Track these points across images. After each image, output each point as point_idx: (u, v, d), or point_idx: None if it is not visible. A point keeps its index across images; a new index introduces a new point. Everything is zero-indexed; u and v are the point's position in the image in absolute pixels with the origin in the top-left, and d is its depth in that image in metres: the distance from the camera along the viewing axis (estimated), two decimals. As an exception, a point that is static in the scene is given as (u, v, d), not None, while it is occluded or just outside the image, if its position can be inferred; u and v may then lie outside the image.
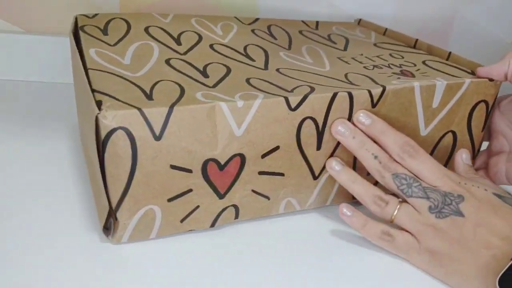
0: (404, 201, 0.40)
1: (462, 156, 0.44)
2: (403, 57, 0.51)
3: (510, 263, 0.33)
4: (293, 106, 0.39)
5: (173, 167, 0.37)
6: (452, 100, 0.45)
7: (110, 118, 0.34)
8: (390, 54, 0.52)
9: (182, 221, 0.40)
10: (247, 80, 0.41)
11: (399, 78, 0.45)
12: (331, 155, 0.42)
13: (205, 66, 0.43)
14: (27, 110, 0.59)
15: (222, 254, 0.39)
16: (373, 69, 0.47)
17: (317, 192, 0.44)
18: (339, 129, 0.41)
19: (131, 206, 0.37)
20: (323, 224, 0.44)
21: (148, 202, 0.37)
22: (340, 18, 0.70)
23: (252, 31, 0.53)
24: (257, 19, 0.57)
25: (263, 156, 0.39)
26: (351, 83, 0.43)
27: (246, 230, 0.42)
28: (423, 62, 0.50)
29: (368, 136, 0.42)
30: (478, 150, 0.50)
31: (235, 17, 0.56)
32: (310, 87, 0.41)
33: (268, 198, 0.42)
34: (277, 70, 0.45)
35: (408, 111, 0.44)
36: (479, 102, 0.47)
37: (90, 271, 0.36)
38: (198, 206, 0.39)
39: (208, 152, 0.37)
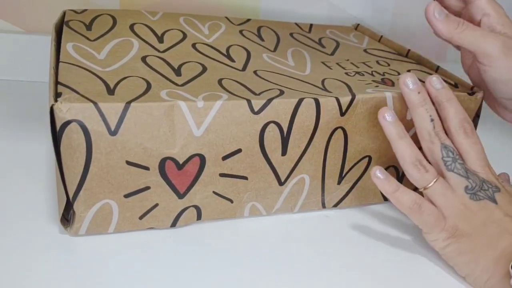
0: (442, 176, 0.40)
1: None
2: (389, 65, 0.50)
3: None
4: (256, 109, 0.38)
5: (129, 163, 0.37)
6: None
7: (64, 111, 0.34)
8: (377, 61, 0.51)
9: (141, 218, 0.39)
10: (219, 81, 0.41)
11: (377, 86, 0.44)
12: (298, 162, 0.41)
13: (181, 65, 0.43)
14: (27, 110, 0.58)
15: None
16: (354, 75, 0.46)
17: (283, 198, 0.43)
18: (407, 81, 0.41)
19: (87, 199, 0.37)
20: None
21: (104, 196, 0.37)
22: (342, 20, 0.70)
23: (240, 31, 0.53)
24: (248, 20, 0.56)
25: (224, 158, 0.39)
26: (325, 89, 0.42)
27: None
28: (408, 71, 0.47)
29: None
30: None
31: (226, 17, 0.56)
32: (280, 90, 0.40)
33: (231, 201, 0.41)
34: (255, 72, 0.44)
35: (378, 121, 0.41)
36: None
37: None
38: (157, 204, 0.39)
39: (165, 150, 0.37)
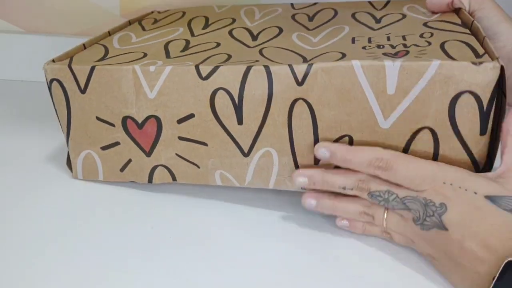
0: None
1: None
2: (432, 35, 0.42)
3: (492, 284, 0.31)
4: (203, 75, 0.40)
5: (98, 119, 0.43)
6: (416, 86, 0.37)
7: (48, 71, 0.43)
8: (421, 35, 0.43)
9: (121, 170, 0.45)
10: (210, 55, 0.43)
11: (377, 58, 0.38)
12: (258, 133, 0.41)
13: (199, 44, 0.46)
14: (27, 110, 0.58)
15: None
16: (372, 48, 0.41)
17: (252, 171, 0.42)
18: (300, 181, 0.40)
19: (74, 147, 0.45)
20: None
21: (86, 147, 0.45)
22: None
23: (293, 16, 0.53)
24: (315, 4, 0.57)
25: (179, 121, 0.42)
26: (306, 60, 0.39)
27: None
28: (442, 44, 0.40)
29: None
30: (489, 163, 0.39)
31: (291, 4, 0.57)
32: (245, 61, 0.40)
33: (197, 166, 0.43)
34: (261, 50, 0.44)
35: (352, 94, 0.38)
36: (462, 93, 0.36)
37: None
38: (130, 160, 0.44)
39: (124, 109, 0.42)
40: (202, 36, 0.49)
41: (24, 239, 0.39)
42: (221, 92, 0.40)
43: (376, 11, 0.52)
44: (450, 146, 0.38)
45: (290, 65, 0.38)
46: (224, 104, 0.40)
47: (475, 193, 0.34)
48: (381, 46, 0.41)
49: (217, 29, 0.50)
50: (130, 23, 0.55)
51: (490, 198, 0.33)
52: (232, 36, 0.48)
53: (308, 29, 0.49)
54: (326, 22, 0.51)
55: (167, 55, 0.44)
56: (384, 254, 0.39)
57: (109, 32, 0.52)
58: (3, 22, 0.66)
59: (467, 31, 0.42)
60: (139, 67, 0.41)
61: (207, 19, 0.54)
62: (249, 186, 0.43)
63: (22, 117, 0.57)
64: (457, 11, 0.47)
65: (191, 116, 0.41)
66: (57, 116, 0.45)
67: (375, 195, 0.38)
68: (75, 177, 0.46)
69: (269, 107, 0.40)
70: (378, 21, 0.49)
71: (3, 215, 0.41)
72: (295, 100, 0.39)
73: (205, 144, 0.42)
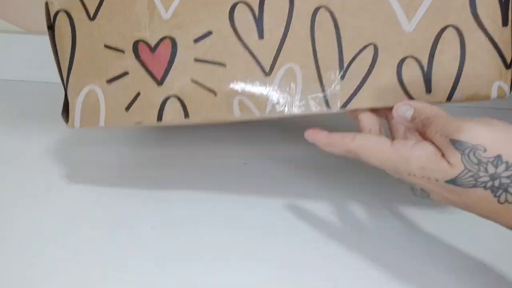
0: None
1: (398, 112, 0.37)
2: None
3: None
4: None
5: (106, 46, 0.41)
6: None
7: (55, 3, 0.42)
8: None
9: (127, 109, 0.41)
10: None
11: None
12: (280, 47, 0.39)
13: None
14: (27, 110, 0.59)
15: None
16: None
17: (274, 93, 0.39)
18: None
19: (75, 84, 0.42)
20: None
21: (89, 81, 0.42)
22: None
23: None
24: None
25: (196, 40, 0.40)
26: None
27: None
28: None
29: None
30: None
31: None
32: None
33: (214, 92, 0.40)
34: None
35: None
36: None
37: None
38: (138, 93, 0.41)
39: (136, 32, 0.40)
40: None
41: (23, 239, 0.39)
42: (240, 5, 0.39)
43: None
44: (476, 41, 0.38)
45: None
46: (244, 18, 0.39)
47: (437, 180, 0.34)
48: None
49: None
50: None
51: (450, 182, 0.33)
52: None
53: None
54: None
55: None
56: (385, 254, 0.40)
57: None
58: (3, 22, 0.66)
59: None
60: None
61: None
62: (270, 115, 0.40)
63: (22, 117, 0.57)
64: None
65: (209, 34, 0.39)
66: (57, 60, 0.43)
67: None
68: (71, 126, 0.42)
69: (291, 18, 0.39)
70: None
71: (3, 216, 0.41)
72: (317, 9, 0.39)
73: (223, 65, 0.39)
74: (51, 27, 0.43)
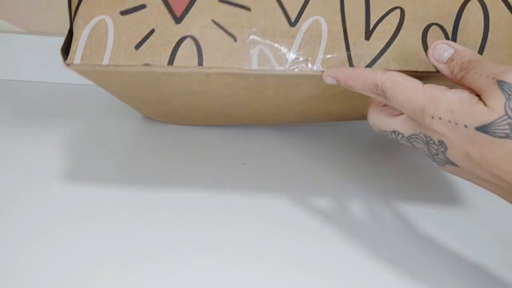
0: None
1: (435, 50, 0.35)
2: None
3: None
4: None
5: None
6: None
7: None
8: None
9: (137, 47, 0.37)
10: None
11: None
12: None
13: None
14: (27, 110, 0.59)
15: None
16: None
17: (298, 45, 0.38)
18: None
19: (85, 12, 0.37)
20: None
21: (101, 11, 0.37)
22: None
23: None
24: None
25: None
26: None
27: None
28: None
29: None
30: None
31: None
32: None
33: (234, 38, 0.38)
34: None
35: None
36: None
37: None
38: (153, 30, 0.37)
39: None
40: None
41: (23, 239, 0.39)
42: None
43: None
44: (499, 13, 0.39)
45: None
46: None
47: (466, 126, 0.31)
48: None
49: None
50: None
51: (481, 129, 0.30)
52: None
53: None
54: None
55: None
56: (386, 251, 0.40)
57: None
58: (3, 22, 0.66)
59: None
60: None
61: None
62: (290, 70, 0.38)
63: (22, 117, 0.57)
64: None
65: None
66: None
67: (385, 134, 0.36)
68: (71, 61, 0.38)
69: None
70: None
71: (3, 215, 0.41)
72: None
73: (248, 8, 0.37)
74: None
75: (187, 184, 0.47)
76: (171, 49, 0.37)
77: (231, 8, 0.37)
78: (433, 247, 0.42)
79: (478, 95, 0.31)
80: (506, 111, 0.29)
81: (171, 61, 0.37)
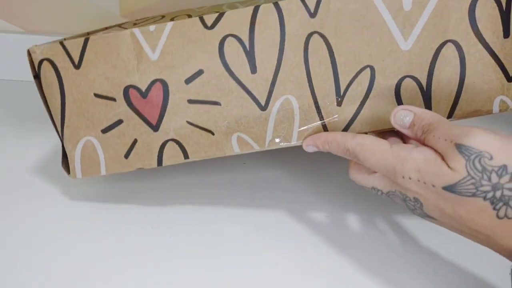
0: None
1: (396, 117, 0.36)
2: None
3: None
4: (209, 24, 0.37)
5: (96, 95, 0.39)
6: None
7: (37, 52, 0.39)
8: None
9: (126, 156, 0.40)
10: (193, 12, 0.42)
11: None
12: (274, 80, 0.38)
13: (176, 16, 0.45)
14: (27, 110, 0.59)
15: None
16: None
17: (272, 127, 0.39)
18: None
19: (70, 136, 0.41)
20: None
21: (84, 133, 0.40)
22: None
23: None
24: None
25: (187, 81, 0.38)
26: None
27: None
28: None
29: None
30: None
31: None
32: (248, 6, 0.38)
33: (211, 132, 0.39)
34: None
35: (368, 20, 0.37)
36: None
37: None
38: (136, 140, 0.40)
39: (125, 78, 0.39)
40: (200, 10, 0.47)
41: (24, 239, 0.39)
42: (230, 39, 0.38)
43: None
44: (476, 56, 0.37)
45: None
46: (234, 52, 0.38)
47: (433, 185, 0.32)
48: None
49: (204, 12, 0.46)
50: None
51: (448, 188, 0.32)
52: (223, 5, 0.46)
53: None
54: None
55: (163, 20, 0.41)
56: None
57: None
58: (3, 22, 0.66)
59: None
60: (138, 29, 0.38)
61: (189, 15, 0.49)
62: (270, 147, 0.40)
63: (22, 117, 0.57)
64: None
65: (200, 72, 0.38)
66: (47, 109, 0.41)
67: (367, 189, 0.37)
68: (73, 177, 0.41)
69: (283, 48, 0.38)
70: None
71: (3, 216, 0.41)
72: (310, 35, 0.38)
73: (217, 103, 0.39)
74: (37, 76, 0.40)
75: (187, 183, 0.47)
76: (157, 153, 0.40)
77: (201, 106, 0.39)
78: (429, 257, 0.42)
79: (441, 156, 0.32)
80: (468, 172, 0.31)
81: (159, 162, 0.40)
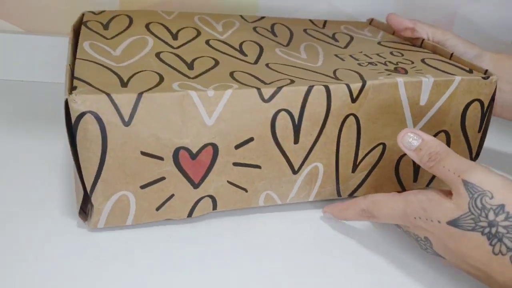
0: None
1: (404, 139, 0.39)
2: (402, 55, 0.50)
3: None
4: (266, 97, 0.39)
5: (143, 153, 0.37)
6: (442, 98, 0.44)
7: (79, 102, 0.35)
8: (391, 52, 0.51)
9: (157, 209, 0.40)
10: (231, 74, 0.42)
11: (389, 74, 0.44)
12: (310, 150, 0.42)
13: (194, 60, 0.44)
14: (27, 110, 0.59)
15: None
16: (366, 65, 0.46)
17: (298, 186, 0.43)
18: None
19: (104, 191, 0.38)
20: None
21: (121, 187, 0.38)
22: (338, 17, 0.70)
23: (254, 28, 0.53)
24: (262, 17, 0.57)
25: (237, 147, 0.39)
26: (337, 78, 0.42)
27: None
28: (422, 60, 0.48)
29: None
30: (477, 153, 0.49)
31: (240, 16, 0.57)
32: (291, 80, 0.41)
33: (245, 190, 0.42)
34: (267, 65, 0.45)
35: (392, 108, 0.43)
36: (473, 101, 0.45)
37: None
38: (173, 195, 0.39)
39: (178, 140, 0.38)
40: (184, 49, 0.46)
41: (23, 239, 0.39)
42: (282, 113, 0.40)
43: (321, 29, 0.57)
44: (458, 145, 0.47)
45: (347, 84, 0.41)
46: (284, 125, 0.40)
47: (439, 222, 0.35)
48: (374, 64, 0.47)
49: (190, 40, 0.48)
50: (74, 29, 0.49)
51: (452, 223, 0.34)
52: (218, 50, 0.47)
53: (283, 45, 0.51)
54: (291, 38, 0.53)
55: (181, 73, 0.41)
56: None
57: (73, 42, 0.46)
58: (3, 22, 0.66)
59: (426, 50, 0.52)
60: (195, 92, 0.37)
61: (166, 27, 0.50)
62: (290, 202, 0.44)
63: (22, 117, 0.57)
64: (416, 40, 0.55)
65: (250, 140, 0.40)
66: (77, 162, 0.37)
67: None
68: (93, 227, 0.39)
69: (325, 124, 0.42)
70: (335, 39, 0.54)
71: (3, 216, 0.41)
72: (347, 116, 0.42)
73: (258, 167, 0.41)
74: (69, 126, 0.36)
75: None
76: (190, 207, 0.41)
77: (244, 168, 0.41)
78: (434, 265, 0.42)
79: (448, 190, 0.36)
80: (469, 209, 0.34)
81: (190, 214, 0.41)
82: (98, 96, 0.35)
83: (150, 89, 0.37)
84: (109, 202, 0.38)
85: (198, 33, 0.50)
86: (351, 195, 0.46)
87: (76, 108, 0.35)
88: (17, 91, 0.63)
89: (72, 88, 0.36)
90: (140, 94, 0.36)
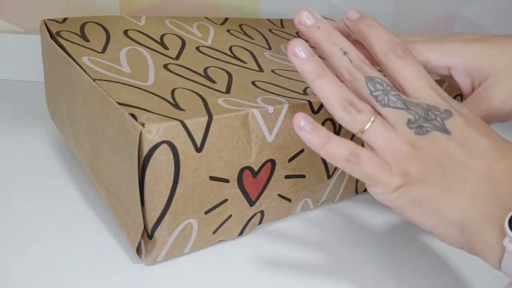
0: (379, 113, 0.33)
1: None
2: None
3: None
4: (315, 109, 0.40)
5: (212, 178, 0.36)
6: None
7: (154, 133, 0.32)
8: None
9: (214, 232, 0.39)
10: (253, 83, 0.42)
11: None
12: None
13: (205, 70, 0.43)
14: (27, 110, 0.59)
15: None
16: None
17: (328, 191, 0.45)
18: (302, 17, 0.35)
19: (171, 222, 0.35)
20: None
21: (187, 216, 0.36)
22: (339, 17, 0.70)
23: (228, 31, 0.52)
24: (227, 19, 0.56)
25: (290, 160, 0.40)
26: None
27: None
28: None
29: (354, 41, 0.36)
30: None
31: (206, 17, 0.55)
32: None
33: (289, 200, 0.42)
34: (273, 71, 0.45)
35: None
36: None
37: None
38: (230, 216, 0.39)
39: (243, 160, 0.37)
40: (185, 60, 0.44)
41: (24, 239, 0.39)
42: (327, 123, 0.41)
43: (282, 28, 0.57)
44: None
45: None
46: None
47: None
48: None
49: (182, 49, 0.46)
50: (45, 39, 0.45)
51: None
52: (217, 58, 0.45)
53: (265, 48, 0.51)
54: (266, 40, 0.53)
55: (210, 88, 0.39)
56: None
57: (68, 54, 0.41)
58: (3, 22, 0.66)
59: None
60: (257, 110, 0.36)
61: (147, 35, 0.47)
62: (320, 206, 0.45)
63: (22, 117, 0.57)
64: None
65: (301, 152, 0.40)
66: (142, 194, 0.34)
67: (375, 80, 0.33)
68: (150, 263, 0.37)
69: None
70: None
71: (3, 216, 0.41)
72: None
73: (304, 176, 0.42)
74: (141, 159, 0.33)
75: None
76: (243, 225, 0.40)
77: (292, 179, 0.41)
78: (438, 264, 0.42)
79: None
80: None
81: (241, 233, 0.41)
82: (172, 123, 0.33)
83: (208, 110, 0.35)
84: (174, 233, 0.36)
85: (183, 41, 0.47)
86: (366, 190, 0.47)
87: (151, 139, 0.32)
88: (17, 91, 0.63)
89: (133, 117, 0.33)
90: (210, 117, 0.34)
